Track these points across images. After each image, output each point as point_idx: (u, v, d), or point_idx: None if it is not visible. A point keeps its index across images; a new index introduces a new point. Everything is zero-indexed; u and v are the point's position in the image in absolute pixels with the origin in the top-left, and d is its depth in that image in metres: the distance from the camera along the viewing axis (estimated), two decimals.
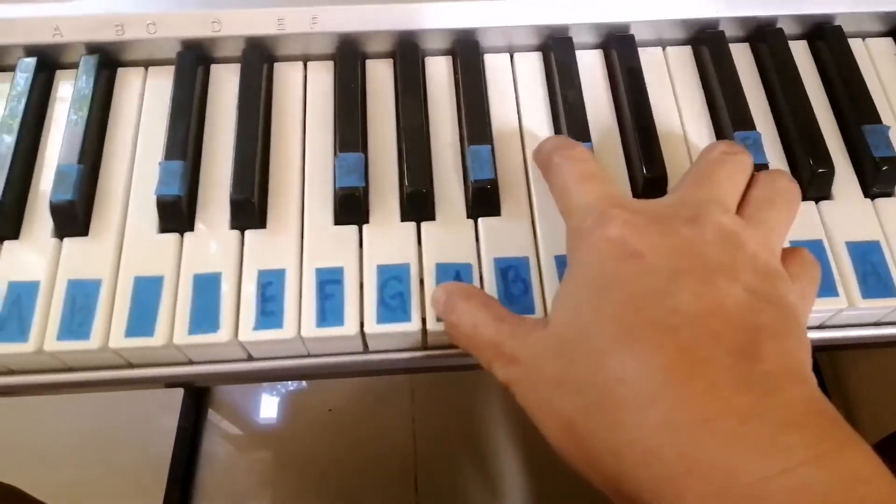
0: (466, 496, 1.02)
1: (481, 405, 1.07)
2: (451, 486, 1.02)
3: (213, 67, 0.43)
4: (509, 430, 1.05)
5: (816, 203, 0.39)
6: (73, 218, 0.37)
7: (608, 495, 0.28)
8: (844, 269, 0.37)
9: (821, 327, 0.38)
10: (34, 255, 0.37)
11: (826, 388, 1.04)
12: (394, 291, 0.36)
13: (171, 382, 0.38)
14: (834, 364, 1.05)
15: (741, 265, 0.29)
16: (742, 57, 0.44)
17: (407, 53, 0.42)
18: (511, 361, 0.31)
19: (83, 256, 0.37)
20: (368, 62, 0.43)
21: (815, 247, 0.38)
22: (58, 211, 0.37)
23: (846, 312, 0.37)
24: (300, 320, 0.35)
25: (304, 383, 1.11)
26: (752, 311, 0.27)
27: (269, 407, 1.10)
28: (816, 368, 1.07)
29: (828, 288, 0.37)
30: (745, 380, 0.25)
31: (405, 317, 0.35)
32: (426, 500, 1.02)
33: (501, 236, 0.37)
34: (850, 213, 0.39)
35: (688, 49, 0.44)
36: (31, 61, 0.42)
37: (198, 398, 1.09)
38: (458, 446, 1.04)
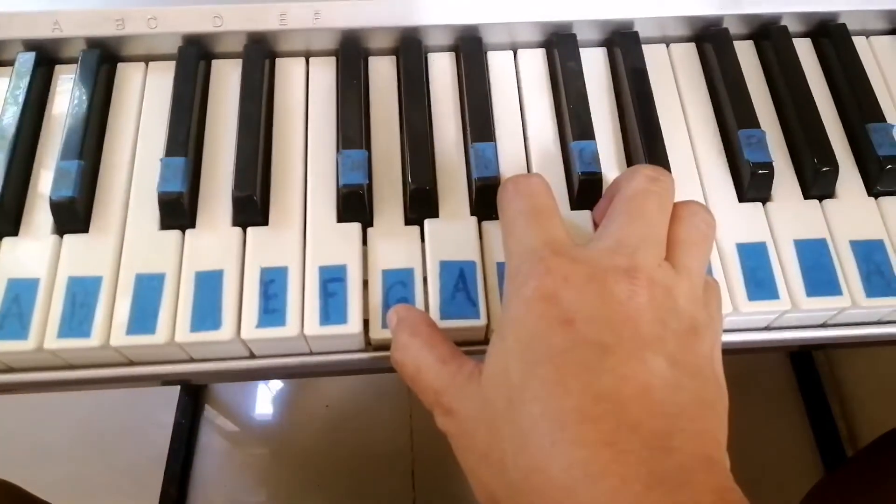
0: (463, 490, 1.02)
1: None
2: (448, 480, 1.02)
3: (215, 63, 0.43)
4: None
5: (820, 202, 0.39)
6: (74, 214, 0.37)
7: None
8: (848, 269, 0.37)
9: (824, 326, 0.38)
10: (34, 252, 0.37)
11: (822, 387, 1.04)
12: (399, 296, 0.36)
13: (172, 380, 0.38)
14: (830, 362, 1.06)
15: (670, 333, 0.29)
16: (746, 55, 0.43)
17: (410, 50, 0.42)
18: (448, 413, 0.31)
19: (84, 253, 0.37)
20: (371, 59, 0.43)
21: (819, 245, 0.38)
22: (58, 208, 0.37)
23: (849, 311, 0.37)
24: (303, 318, 0.35)
25: (301, 379, 1.10)
26: (674, 390, 0.28)
27: (265, 403, 1.10)
28: (813, 368, 1.07)
29: (831, 287, 0.37)
30: (657, 474, 0.25)
31: None
32: (423, 495, 1.01)
33: None
34: (853, 212, 0.39)
35: (692, 46, 0.44)
36: (29, 56, 0.41)
37: (195, 394, 1.09)
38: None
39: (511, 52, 0.43)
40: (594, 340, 0.28)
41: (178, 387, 1.07)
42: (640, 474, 0.25)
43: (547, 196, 0.33)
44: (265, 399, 1.10)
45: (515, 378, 0.28)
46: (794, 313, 0.37)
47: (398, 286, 0.36)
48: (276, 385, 1.11)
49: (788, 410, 1.05)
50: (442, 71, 0.43)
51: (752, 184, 0.38)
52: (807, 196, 0.39)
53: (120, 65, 0.43)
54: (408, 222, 0.38)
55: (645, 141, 0.39)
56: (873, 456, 0.58)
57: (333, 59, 0.43)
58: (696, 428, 0.27)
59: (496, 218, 0.37)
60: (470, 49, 0.42)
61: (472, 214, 0.38)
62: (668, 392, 0.27)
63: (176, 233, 0.37)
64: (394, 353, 0.33)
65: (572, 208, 0.38)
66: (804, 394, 1.04)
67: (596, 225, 0.38)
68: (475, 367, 0.31)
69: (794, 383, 1.06)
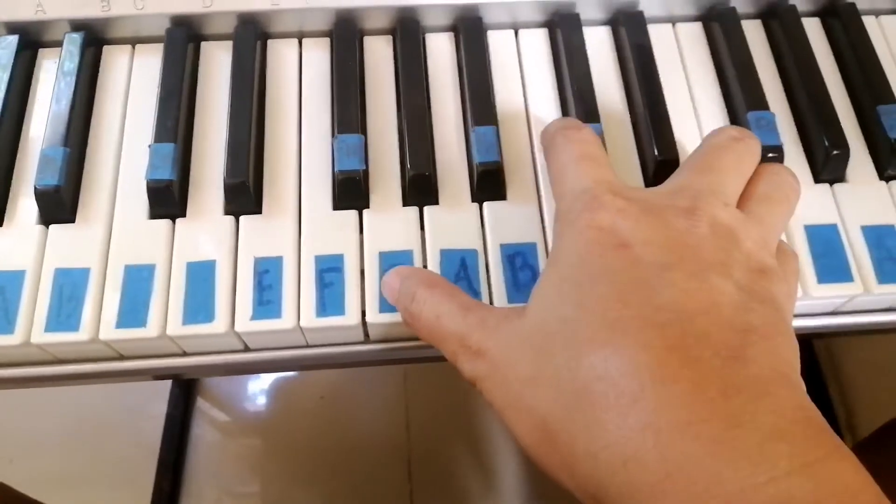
0: (460, 483, 1.01)
1: (475, 391, 1.06)
2: (444, 472, 1.02)
3: (204, 45, 0.41)
4: None
5: (831, 185, 0.38)
6: (60, 204, 0.36)
7: (582, 500, 0.27)
8: (860, 254, 0.36)
9: (834, 313, 0.37)
10: (19, 242, 0.35)
11: (822, 375, 1.04)
12: None
13: (164, 374, 0.37)
14: (830, 349, 1.05)
15: (734, 262, 0.28)
16: (754, 34, 0.42)
17: (407, 30, 0.41)
18: (478, 355, 0.29)
19: (70, 244, 0.35)
20: (366, 39, 0.42)
21: (830, 231, 0.37)
22: (43, 197, 0.35)
23: (861, 298, 0.36)
24: (299, 310, 0.34)
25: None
26: (743, 311, 0.26)
27: (259, 394, 1.09)
28: (812, 355, 1.07)
29: (843, 273, 0.36)
30: (733, 383, 0.24)
31: None
32: (420, 486, 1.01)
33: (508, 221, 0.36)
34: (864, 196, 0.38)
35: (699, 26, 0.43)
36: (12, 39, 0.40)
37: (186, 386, 1.07)
38: (452, 432, 1.04)
39: (512, 32, 0.42)
40: (652, 261, 0.27)
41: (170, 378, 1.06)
42: (714, 381, 0.24)
43: (597, 145, 0.33)
44: (259, 390, 1.09)
45: (570, 298, 0.27)
46: (805, 301, 0.36)
47: None
48: (270, 376, 1.10)
49: None
50: (440, 52, 0.41)
51: None
52: (817, 180, 0.38)
53: (106, 47, 0.41)
54: (406, 206, 0.37)
55: (651, 123, 0.38)
56: (873, 447, 0.57)
57: (327, 40, 0.42)
58: (769, 345, 0.26)
59: (498, 199, 0.37)
60: (469, 29, 0.41)
61: (473, 199, 0.37)
62: (737, 311, 0.26)
63: (166, 222, 0.36)
64: (407, 306, 0.32)
65: None
66: (803, 380, 1.04)
67: None
68: (510, 310, 0.30)
69: None
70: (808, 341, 1.05)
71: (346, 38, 0.40)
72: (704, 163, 0.31)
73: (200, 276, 0.34)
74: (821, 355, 1.05)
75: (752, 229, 0.29)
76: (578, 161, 0.32)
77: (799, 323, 0.37)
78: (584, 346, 0.26)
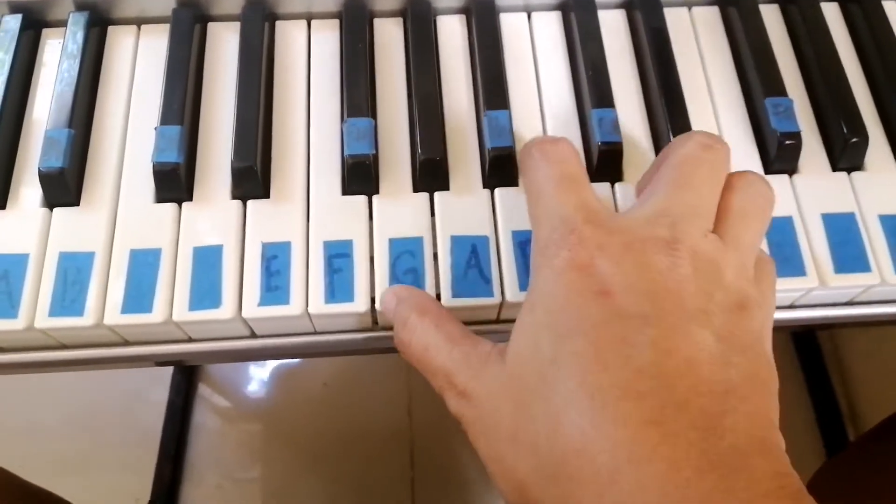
0: (462, 469, 1.01)
1: None
2: (446, 459, 1.02)
3: (211, 26, 0.41)
4: None
5: (849, 174, 0.37)
6: (64, 186, 0.35)
7: None
8: (877, 244, 0.36)
9: (849, 304, 0.37)
10: (23, 226, 0.35)
11: (826, 367, 1.03)
12: (406, 266, 0.34)
13: (169, 360, 0.36)
14: (833, 341, 1.05)
15: (715, 305, 0.27)
16: (772, 19, 0.41)
17: (418, 12, 0.40)
18: (463, 395, 0.29)
19: (75, 228, 0.35)
20: (376, 21, 0.41)
21: (847, 220, 0.36)
22: (47, 179, 0.35)
23: (877, 288, 0.35)
24: (307, 296, 0.33)
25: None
26: (723, 366, 0.26)
27: (262, 380, 1.09)
28: (816, 346, 1.07)
29: (860, 262, 0.35)
30: (709, 457, 0.24)
31: None
32: (422, 474, 1.01)
33: (519, 208, 0.35)
34: (883, 185, 0.37)
35: (715, 10, 0.42)
36: (16, 18, 0.39)
37: (188, 372, 1.07)
38: (454, 420, 1.03)
39: (525, 15, 0.41)
40: (633, 312, 0.26)
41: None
42: (691, 458, 0.23)
43: (576, 163, 0.31)
44: (261, 377, 1.09)
45: (547, 352, 0.26)
46: (820, 291, 0.35)
47: (406, 256, 0.34)
48: (273, 362, 1.09)
49: (790, 388, 1.05)
50: (452, 34, 0.41)
51: (778, 155, 0.37)
52: (835, 168, 0.38)
53: (111, 28, 0.40)
54: (416, 192, 0.36)
55: (667, 108, 0.37)
56: (874, 441, 0.57)
57: (337, 21, 0.41)
58: (748, 408, 0.25)
59: (510, 185, 0.36)
60: (482, 11, 0.40)
61: (484, 185, 0.36)
62: (717, 368, 0.25)
63: (172, 206, 0.35)
64: (398, 332, 0.32)
65: (592, 180, 0.36)
66: (806, 372, 1.04)
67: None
68: (494, 348, 0.29)
69: (796, 361, 1.05)
70: (812, 333, 1.04)
71: (355, 19, 0.40)
72: (679, 178, 0.30)
73: (207, 261, 0.34)
74: (824, 347, 1.04)
75: (731, 256, 0.28)
76: (558, 183, 0.30)
77: (813, 313, 0.37)
78: (562, 412, 0.25)
